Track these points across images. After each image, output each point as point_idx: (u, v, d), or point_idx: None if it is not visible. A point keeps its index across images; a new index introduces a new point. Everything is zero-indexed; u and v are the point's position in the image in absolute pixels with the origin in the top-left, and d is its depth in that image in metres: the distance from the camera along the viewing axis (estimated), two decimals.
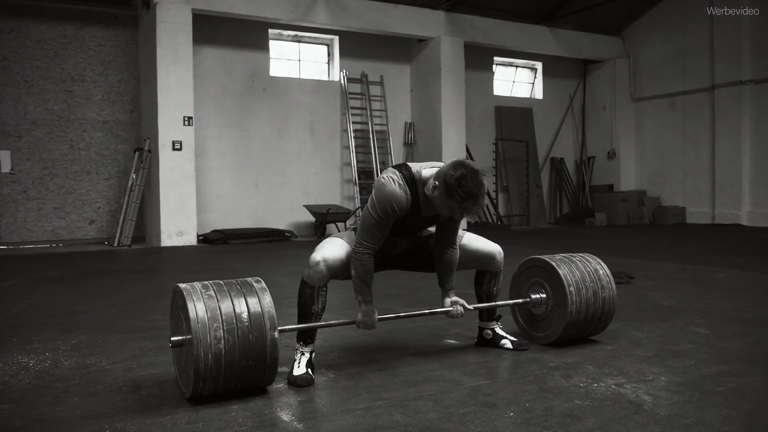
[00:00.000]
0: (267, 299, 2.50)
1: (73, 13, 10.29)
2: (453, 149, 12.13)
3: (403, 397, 2.46)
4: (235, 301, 2.45)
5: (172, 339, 2.50)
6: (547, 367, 2.86)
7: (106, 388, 2.65)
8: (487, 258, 3.12)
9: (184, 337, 2.45)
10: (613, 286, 3.24)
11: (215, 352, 2.35)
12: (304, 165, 11.87)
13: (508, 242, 9.72)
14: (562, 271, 3.13)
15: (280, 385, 2.65)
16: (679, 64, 13.70)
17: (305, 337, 2.84)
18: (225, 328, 2.38)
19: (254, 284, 2.56)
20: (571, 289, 3.09)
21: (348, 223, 11.13)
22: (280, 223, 11.49)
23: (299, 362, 2.76)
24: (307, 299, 2.80)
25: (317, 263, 2.77)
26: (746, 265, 6.51)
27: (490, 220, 13.24)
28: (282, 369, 2.86)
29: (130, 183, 10.06)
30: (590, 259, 3.31)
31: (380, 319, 2.88)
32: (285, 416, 2.31)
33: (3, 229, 9.89)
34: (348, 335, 3.56)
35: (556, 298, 3.15)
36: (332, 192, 12.12)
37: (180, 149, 9.79)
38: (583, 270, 3.19)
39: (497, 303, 3.21)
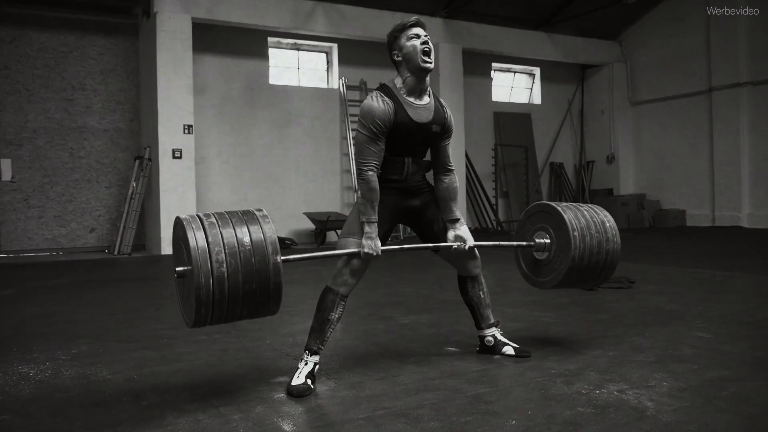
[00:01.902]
0: (269, 226, 2.48)
1: (74, 22, 10.33)
2: (452, 155, 12.10)
3: (404, 406, 2.46)
4: (237, 228, 2.43)
5: (177, 269, 2.46)
6: (549, 374, 2.85)
7: (106, 399, 2.64)
8: (466, 256, 3.12)
9: (186, 267, 2.41)
10: (618, 239, 3.21)
11: (217, 275, 2.32)
12: (303, 172, 11.88)
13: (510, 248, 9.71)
14: (567, 216, 3.12)
15: (281, 395, 2.65)
16: (677, 67, 13.72)
17: (314, 345, 2.82)
18: (227, 251, 2.35)
19: (256, 212, 2.54)
20: (575, 233, 3.08)
21: None
22: (281, 231, 11.48)
23: (300, 372, 2.74)
24: (329, 305, 2.85)
25: (344, 278, 2.86)
26: (747, 268, 6.50)
27: (490, 226, 13.24)
28: (283, 378, 2.86)
29: (130, 191, 10.07)
30: (598, 211, 3.29)
31: (384, 251, 2.87)
32: (286, 426, 2.31)
33: (3, 237, 9.89)
34: (349, 344, 3.56)
35: (560, 242, 3.14)
36: (332, 199, 12.12)
37: (180, 157, 9.80)
38: (589, 219, 3.18)
39: (500, 243, 3.31)
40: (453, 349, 3.38)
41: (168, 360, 3.24)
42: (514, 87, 14.92)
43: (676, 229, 12.88)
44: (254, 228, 2.45)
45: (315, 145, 11.99)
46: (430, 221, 3.11)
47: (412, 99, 2.91)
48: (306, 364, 2.78)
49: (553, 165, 14.94)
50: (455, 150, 12.09)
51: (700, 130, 13.37)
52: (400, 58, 2.91)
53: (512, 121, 14.28)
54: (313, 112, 11.94)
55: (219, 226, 2.42)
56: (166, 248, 9.66)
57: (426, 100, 2.96)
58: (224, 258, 2.34)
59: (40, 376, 2.99)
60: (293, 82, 12.05)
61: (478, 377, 2.83)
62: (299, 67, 12.19)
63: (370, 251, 2.81)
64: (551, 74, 14.98)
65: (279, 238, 10.62)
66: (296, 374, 2.73)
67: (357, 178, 2.90)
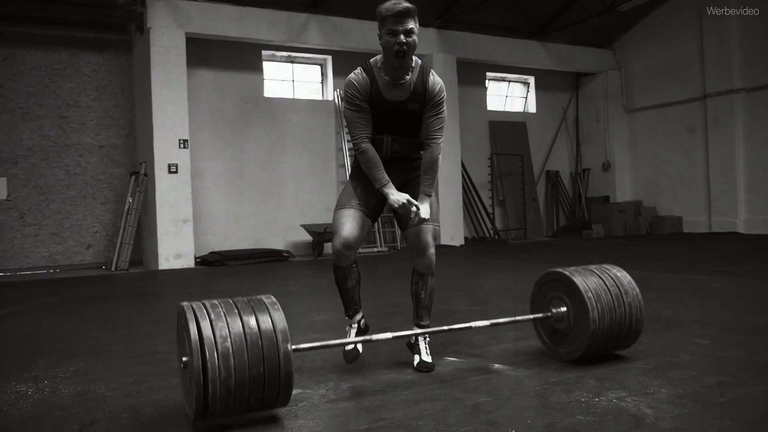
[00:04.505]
0: (279, 314, 2.41)
1: (67, 39, 10.35)
2: (448, 165, 12.17)
3: (404, 417, 2.45)
4: (245, 318, 2.35)
5: (182, 359, 2.39)
6: (548, 382, 2.85)
7: (105, 416, 2.63)
8: (419, 246, 3.11)
9: (188, 357, 2.35)
10: (638, 291, 3.11)
11: (224, 370, 2.24)
12: (300, 185, 11.89)
13: (507, 257, 9.72)
14: (578, 279, 3.04)
15: (280, 408, 2.63)
16: (671, 74, 13.80)
17: (350, 311, 3.18)
18: (233, 340, 2.28)
19: (264, 299, 2.48)
20: (590, 294, 2.98)
21: None
22: (278, 244, 11.48)
23: (349, 337, 3.12)
24: (341, 279, 3.13)
25: (339, 251, 3.02)
26: (744, 273, 6.51)
27: (487, 235, 13.24)
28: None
29: (126, 207, 10.07)
30: (609, 267, 3.22)
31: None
32: None
33: (0, 255, 9.86)
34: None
35: (577, 308, 3.04)
36: (329, 211, 12.11)
37: (176, 172, 9.81)
38: (600, 276, 3.10)
39: (516, 318, 3.18)
40: (452, 358, 3.37)
41: (166, 375, 3.23)
42: (508, 96, 14.98)
43: (673, 236, 12.90)
44: (263, 317, 2.38)
45: (311, 157, 12.01)
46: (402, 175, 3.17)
47: (388, 78, 3.00)
48: (350, 327, 3.18)
49: (549, 173, 14.98)
50: (452, 159, 12.15)
51: (696, 136, 13.43)
52: (381, 42, 2.95)
53: (507, 130, 14.33)
54: (308, 124, 11.97)
55: (224, 315, 2.34)
56: (164, 263, 9.65)
57: (405, 79, 3.01)
58: (230, 349, 2.26)
59: (39, 395, 2.98)
60: (288, 95, 12.09)
61: (477, 387, 2.83)
62: (294, 80, 12.24)
63: (395, 201, 2.93)
64: (546, 83, 15.05)
65: (275, 250, 10.72)
66: (347, 339, 3.00)
67: (355, 154, 3.08)
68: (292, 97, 12.09)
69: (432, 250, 3.14)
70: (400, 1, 2.87)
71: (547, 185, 15.02)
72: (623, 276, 3.17)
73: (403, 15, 2.85)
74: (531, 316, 3.22)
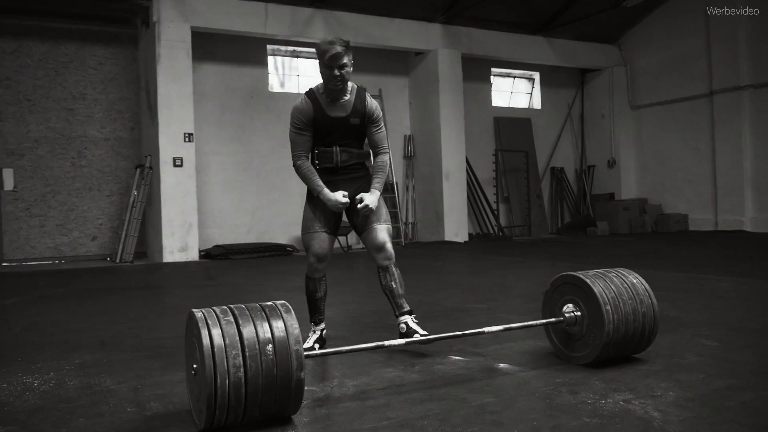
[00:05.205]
0: (295, 331, 2.36)
1: (73, 32, 10.35)
2: (453, 161, 12.15)
3: (409, 417, 2.44)
4: (259, 328, 2.31)
5: (193, 366, 2.36)
6: (554, 383, 2.83)
7: (110, 409, 2.63)
8: (377, 244, 3.51)
9: (198, 365, 2.31)
10: (654, 300, 3.10)
11: (234, 380, 2.22)
12: None
13: (511, 254, 9.70)
14: (597, 288, 2.99)
15: None
16: (677, 70, 13.72)
17: (315, 319, 3.63)
18: (247, 354, 2.24)
19: (279, 307, 2.42)
20: (608, 307, 2.95)
21: (349, 237, 11.16)
22: (282, 238, 11.48)
23: (310, 339, 3.54)
24: (312, 289, 3.62)
25: (314, 266, 3.55)
26: (752, 273, 6.48)
27: (491, 231, 13.22)
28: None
29: (131, 199, 10.07)
30: (626, 274, 3.18)
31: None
32: None
33: (6, 246, 9.89)
34: (353, 353, 3.54)
35: (592, 316, 3.00)
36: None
37: (181, 165, 9.81)
38: (619, 285, 3.06)
39: (529, 323, 3.21)
40: (457, 357, 3.36)
41: (171, 369, 3.23)
42: (513, 92, 14.93)
43: (679, 234, 12.85)
44: (278, 327, 2.34)
45: None
46: (355, 213, 3.55)
47: (329, 100, 3.47)
48: (314, 332, 3.60)
49: (554, 170, 14.94)
50: (456, 155, 12.14)
51: (702, 133, 13.36)
52: (320, 72, 3.41)
53: (512, 126, 14.28)
54: None
55: (237, 325, 2.29)
56: (168, 256, 9.66)
57: (344, 99, 3.49)
58: (242, 379, 2.23)
59: (45, 387, 2.98)
60: (293, 90, 12.06)
61: (483, 387, 2.82)
62: (299, 75, 12.21)
63: (334, 203, 3.43)
64: (551, 79, 14.98)
65: (279, 244, 10.71)
66: (307, 341, 3.51)
67: (294, 169, 3.57)
68: (297, 91, 12.06)
69: (388, 245, 3.54)
70: (334, 42, 3.31)
71: (552, 182, 14.97)
72: (639, 284, 3.13)
73: (342, 52, 3.31)
74: (544, 321, 3.20)
